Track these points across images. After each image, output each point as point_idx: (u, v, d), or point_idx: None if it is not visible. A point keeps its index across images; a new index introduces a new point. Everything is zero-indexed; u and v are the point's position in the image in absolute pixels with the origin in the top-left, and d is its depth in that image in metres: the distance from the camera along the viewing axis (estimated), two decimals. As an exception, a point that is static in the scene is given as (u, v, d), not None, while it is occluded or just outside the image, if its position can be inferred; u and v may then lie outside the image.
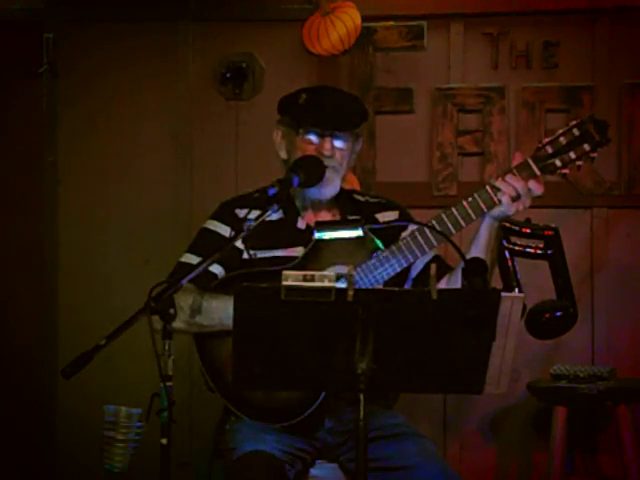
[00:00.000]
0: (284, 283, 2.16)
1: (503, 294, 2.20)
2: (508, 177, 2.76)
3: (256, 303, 2.20)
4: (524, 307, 3.57)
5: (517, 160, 2.79)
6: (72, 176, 4.42)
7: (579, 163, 2.77)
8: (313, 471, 2.87)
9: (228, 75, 4.29)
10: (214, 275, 2.90)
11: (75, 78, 4.41)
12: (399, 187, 4.14)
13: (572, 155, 2.76)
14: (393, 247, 2.81)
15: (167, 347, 2.37)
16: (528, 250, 3.81)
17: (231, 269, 2.91)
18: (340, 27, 4.14)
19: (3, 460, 4.35)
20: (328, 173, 2.88)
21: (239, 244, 2.90)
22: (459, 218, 2.78)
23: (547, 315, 3.78)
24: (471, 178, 4.18)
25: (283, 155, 3.00)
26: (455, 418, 4.19)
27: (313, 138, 2.91)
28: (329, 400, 2.80)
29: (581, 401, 3.73)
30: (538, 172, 2.75)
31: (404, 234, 2.87)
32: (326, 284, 2.15)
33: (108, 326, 2.38)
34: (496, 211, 2.78)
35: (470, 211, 2.78)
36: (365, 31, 4.19)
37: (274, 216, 2.90)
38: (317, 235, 2.78)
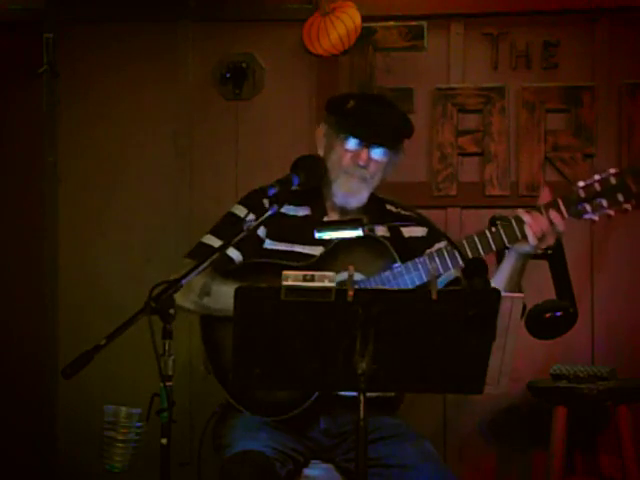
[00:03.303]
0: (284, 283, 2.16)
1: (503, 294, 2.20)
2: (535, 214, 2.72)
3: (256, 303, 2.20)
4: (524, 307, 3.58)
5: (546, 196, 2.76)
6: (72, 176, 4.42)
7: (610, 212, 2.72)
8: (307, 471, 2.87)
9: (228, 75, 4.29)
10: (231, 259, 2.92)
11: (75, 78, 4.41)
12: (399, 187, 4.11)
13: (604, 203, 2.70)
14: (409, 264, 2.80)
15: (167, 347, 2.37)
16: (528, 250, 3.80)
17: (249, 256, 2.92)
18: (340, 27, 4.14)
19: (3, 460, 4.35)
20: (356, 183, 2.89)
21: (260, 232, 2.92)
22: (479, 246, 2.75)
23: (547, 315, 3.77)
24: (471, 178, 4.18)
25: (320, 152, 3.00)
26: (455, 418, 4.19)
27: (351, 146, 2.91)
28: (325, 401, 2.81)
29: (581, 401, 3.73)
30: (566, 214, 2.71)
31: (427, 252, 2.85)
32: (326, 284, 2.15)
33: (108, 326, 2.39)
34: (521, 247, 2.76)
35: (491, 242, 2.75)
36: (365, 31, 4.19)
37: (300, 212, 2.94)
38: (317, 235, 2.78)
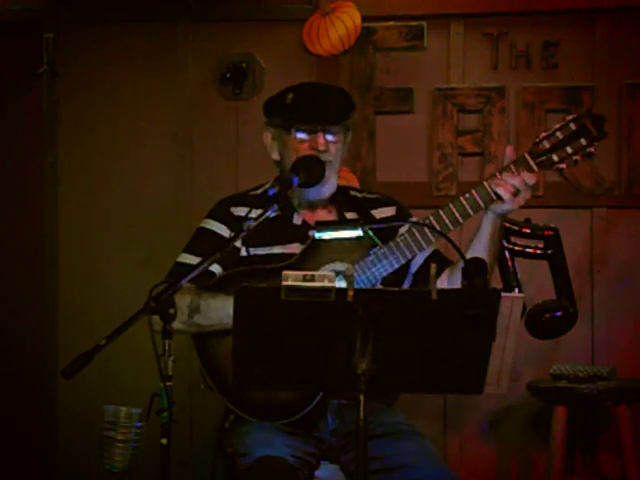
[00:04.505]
0: (284, 283, 2.16)
1: (503, 294, 2.19)
2: (505, 174, 2.73)
3: (256, 303, 2.20)
4: (524, 307, 3.58)
5: (509, 154, 2.77)
6: (72, 176, 4.42)
7: (576, 158, 2.75)
8: (316, 472, 2.86)
9: (228, 75, 4.29)
10: (212, 274, 2.90)
11: (75, 78, 4.41)
12: (399, 187, 4.14)
13: (569, 150, 2.74)
14: (391, 244, 2.81)
15: (167, 347, 2.37)
16: (528, 250, 3.81)
17: (229, 267, 2.91)
18: (340, 27, 4.14)
19: (3, 460, 4.35)
20: (325, 171, 2.87)
21: (237, 242, 2.90)
22: (457, 214, 2.77)
23: (547, 315, 3.78)
24: (471, 178, 4.18)
25: (275, 156, 3.00)
26: (455, 418, 4.19)
27: (305, 136, 2.91)
28: (333, 400, 2.81)
29: (581, 401, 3.73)
30: (535, 167, 2.73)
31: (402, 230, 2.87)
32: (326, 284, 2.15)
33: (108, 326, 2.38)
34: (499, 207, 2.76)
35: (468, 207, 2.77)
36: (365, 31, 4.19)
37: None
38: (317, 235, 2.77)
